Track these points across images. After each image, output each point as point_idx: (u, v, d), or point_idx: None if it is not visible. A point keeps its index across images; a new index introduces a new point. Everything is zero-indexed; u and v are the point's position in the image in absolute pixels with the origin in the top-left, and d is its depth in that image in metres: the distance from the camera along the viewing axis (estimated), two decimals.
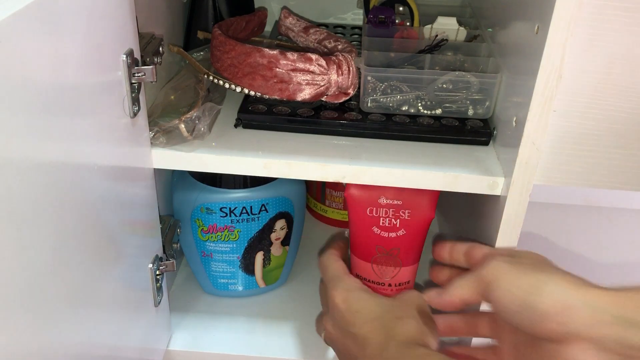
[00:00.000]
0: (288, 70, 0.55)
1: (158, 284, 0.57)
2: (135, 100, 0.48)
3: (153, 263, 0.56)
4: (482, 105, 0.59)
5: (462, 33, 0.66)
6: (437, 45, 0.63)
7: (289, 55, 0.55)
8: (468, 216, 0.65)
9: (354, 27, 0.81)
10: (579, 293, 0.43)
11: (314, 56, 0.55)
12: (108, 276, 0.46)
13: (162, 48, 0.55)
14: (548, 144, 0.51)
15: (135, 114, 0.49)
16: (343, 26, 0.82)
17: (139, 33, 0.49)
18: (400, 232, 0.59)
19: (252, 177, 0.64)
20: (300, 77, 0.56)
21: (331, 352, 0.64)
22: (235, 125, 0.59)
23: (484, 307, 0.54)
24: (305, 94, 0.56)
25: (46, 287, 0.36)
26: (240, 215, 0.65)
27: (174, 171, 0.68)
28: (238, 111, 0.59)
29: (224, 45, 0.58)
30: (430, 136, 0.58)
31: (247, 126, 0.59)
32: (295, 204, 0.68)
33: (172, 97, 0.60)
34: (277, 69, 0.55)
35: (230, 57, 0.57)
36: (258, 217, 0.66)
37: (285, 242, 0.70)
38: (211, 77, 0.59)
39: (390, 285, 0.62)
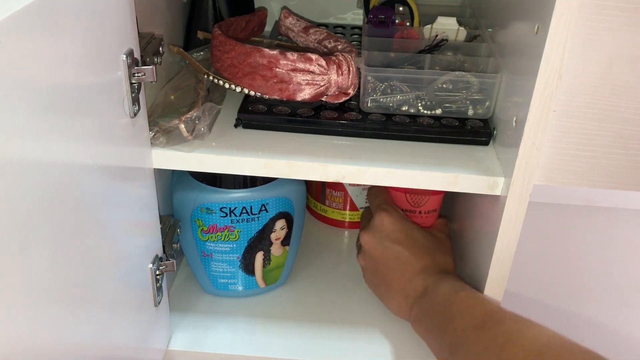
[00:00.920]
0: (288, 70, 0.55)
1: (158, 284, 0.57)
2: (135, 100, 0.48)
3: (153, 263, 0.56)
4: (482, 105, 0.59)
5: (462, 33, 0.66)
6: (437, 45, 0.63)
7: (289, 55, 0.55)
8: (468, 216, 0.65)
9: (354, 27, 0.81)
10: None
11: (314, 56, 0.55)
12: (108, 276, 0.46)
13: (162, 48, 0.55)
14: (548, 144, 0.51)
15: (135, 114, 0.49)
16: (343, 26, 0.82)
17: (139, 33, 0.49)
18: None
19: (252, 177, 0.64)
20: (300, 77, 0.56)
21: (331, 352, 0.64)
22: (235, 125, 0.59)
23: None
24: (305, 94, 0.56)
25: (46, 287, 0.36)
26: (240, 215, 0.65)
27: (174, 171, 0.68)
28: (238, 111, 0.59)
29: (224, 45, 0.58)
30: (430, 136, 0.58)
31: (247, 126, 0.59)
32: (295, 204, 0.68)
33: (172, 97, 0.60)
34: (277, 69, 0.55)
35: (230, 57, 0.57)
36: (258, 217, 0.66)
37: (285, 242, 0.70)
38: (211, 77, 0.59)
39: (420, 212, 0.69)
